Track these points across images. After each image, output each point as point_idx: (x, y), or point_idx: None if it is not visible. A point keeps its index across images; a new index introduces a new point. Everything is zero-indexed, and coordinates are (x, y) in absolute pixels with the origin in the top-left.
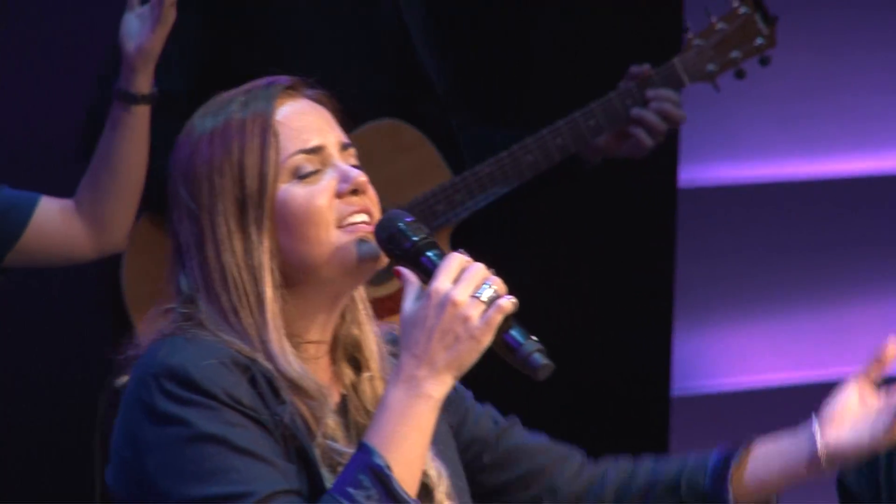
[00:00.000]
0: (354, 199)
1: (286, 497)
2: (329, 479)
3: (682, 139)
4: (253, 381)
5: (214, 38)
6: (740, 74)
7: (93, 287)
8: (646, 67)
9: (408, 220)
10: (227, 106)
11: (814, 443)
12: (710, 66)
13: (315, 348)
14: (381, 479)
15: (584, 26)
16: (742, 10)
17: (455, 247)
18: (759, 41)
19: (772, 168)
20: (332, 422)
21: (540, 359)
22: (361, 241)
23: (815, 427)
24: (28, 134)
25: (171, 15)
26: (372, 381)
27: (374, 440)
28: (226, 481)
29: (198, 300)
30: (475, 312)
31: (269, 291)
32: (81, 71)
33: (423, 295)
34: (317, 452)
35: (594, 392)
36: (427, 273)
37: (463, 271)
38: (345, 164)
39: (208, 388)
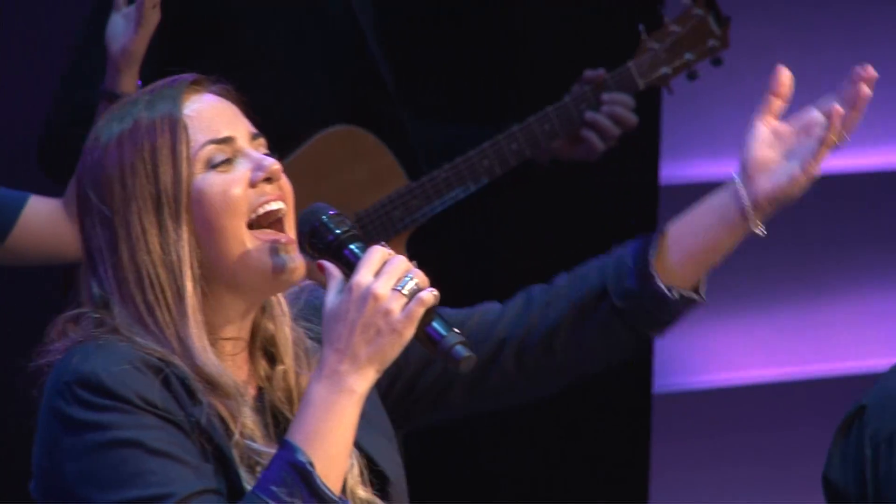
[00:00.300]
0: (268, 187)
1: (206, 497)
2: (247, 479)
3: (663, 136)
4: (166, 383)
5: (173, 42)
6: (693, 76)
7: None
8: (600, 72)
9: (331, 213)
10: (132, 109)
11: (739, 198)
12: (664, 69)
13: (233, 345)
14: (304, 477)
15: (541, 25)
16: (695, 11)
17: (411, 252)
18: (711, 42)
19: None
20: (249, 421)
21: (462, 351)
22: (276, 251)
23: (737, 181)
24: (21, 134)
25: (154, 16)
26: (286, 375)
27: (297, 437)
28: (144, 484)
29: (111, 305)
30: (396, 305)
31: (189, 285)
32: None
33: (346, 288)
34: (234, 452)
35: (575, 389)
36: (350, 266)
37: (385, 264)
38: (256, 153)
39: (121, 393)
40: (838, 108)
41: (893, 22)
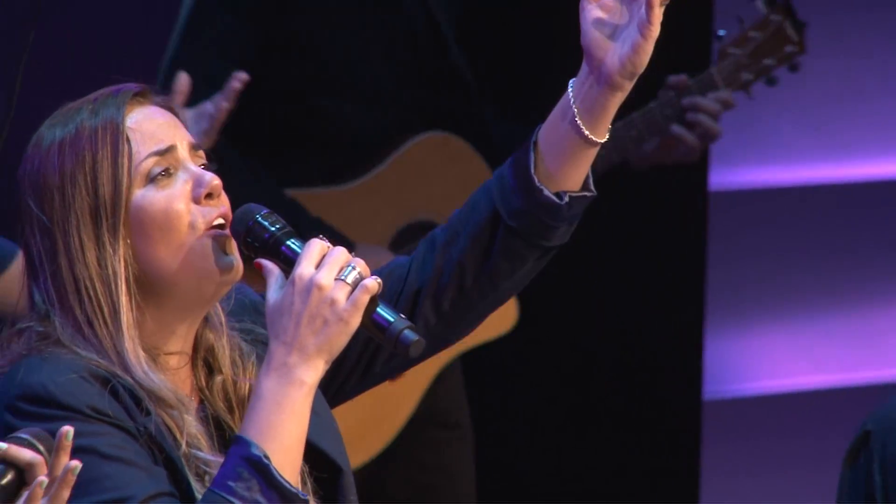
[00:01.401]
0: (211, 202)
1: (162, 499)
2: (197, 488)
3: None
4: (114, 393)
5: (257, 50)
6: (771, 82)
7: None
8: (682, 77)
9: (264, 212)
10: (75, 115)
11: (567, 99)
12: (746, 75)
13: (177, 359)
14: (260, 470)
15: None
16: (773, 17)
17: None
18: (789, 48)
19: (802, 172)
20: (194, 430)
21: (411, 335)
22: (220, 251)
23: (570, 88)
24: None
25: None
26: (225, 384)
27: (251, 432)
28: (101, 489)
29: (52, 316)
30: (341, 295)
31: (124, 300)
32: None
33: (288, 282)
34: (183, 462)
35: (627, 396)
36: (288, 262)
37: (325, 256)
38: (196, 165)
39: (69, 403)
40: None
41: None
